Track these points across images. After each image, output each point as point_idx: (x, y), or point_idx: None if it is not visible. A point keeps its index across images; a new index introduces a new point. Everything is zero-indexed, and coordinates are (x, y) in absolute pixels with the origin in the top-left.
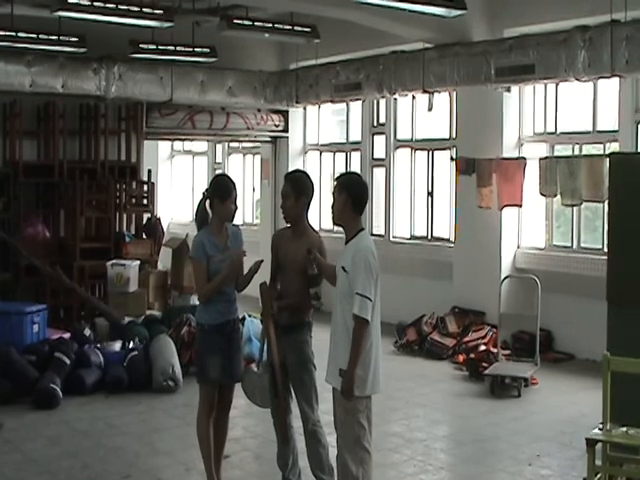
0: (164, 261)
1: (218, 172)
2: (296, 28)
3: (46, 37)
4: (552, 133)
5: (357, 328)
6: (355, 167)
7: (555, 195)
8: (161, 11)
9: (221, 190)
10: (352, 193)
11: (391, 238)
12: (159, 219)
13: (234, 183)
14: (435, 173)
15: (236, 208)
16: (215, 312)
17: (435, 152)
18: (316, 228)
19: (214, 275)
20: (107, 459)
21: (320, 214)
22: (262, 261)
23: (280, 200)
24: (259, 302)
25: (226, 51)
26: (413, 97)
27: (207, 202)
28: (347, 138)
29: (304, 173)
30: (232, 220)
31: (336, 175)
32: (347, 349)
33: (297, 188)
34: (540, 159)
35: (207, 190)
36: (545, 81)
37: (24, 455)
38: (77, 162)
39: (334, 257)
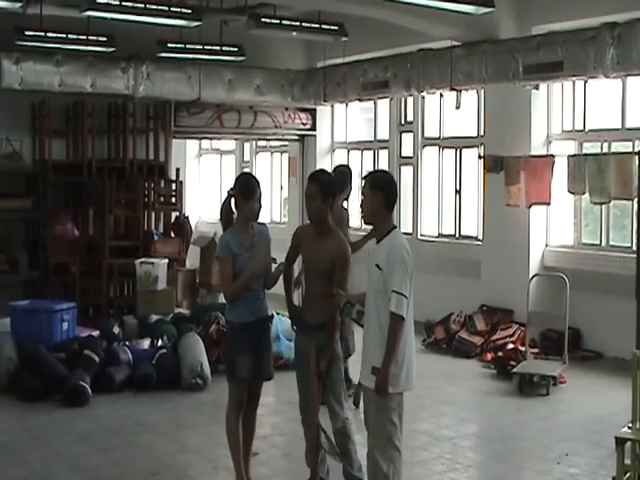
0: (192, 259)
1: (245, 171)
2: (323, 26)
3: (75, 37)
4: (580, 130)
5: (393, 325)
6: (383, 165)
7: (584, 193)
8: (189, 10)
9: (245, 189)
10: (386, 192)
11: (419, 236)
12: (187, 217)
13: (258, 182)
14: (463, 171)
15: (260, 207)
16: (245, 310)
17: (463, 150)
18: None
19: (240, 274)
20: (136, 456)
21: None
22: (287, 264)
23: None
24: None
25: (253, 50)
26: (441, 95)
27: (232, 201)
28: (375, 136)
29: (329, 173)
30: (257, 219)
31: (364, 173)
32: (381, 347)
33: (323, 188)
34: (568, 157)
35: (231, 189)
36: (573, 78)
37: (54, 452)
38: (106, 161)
39: (363, 258)
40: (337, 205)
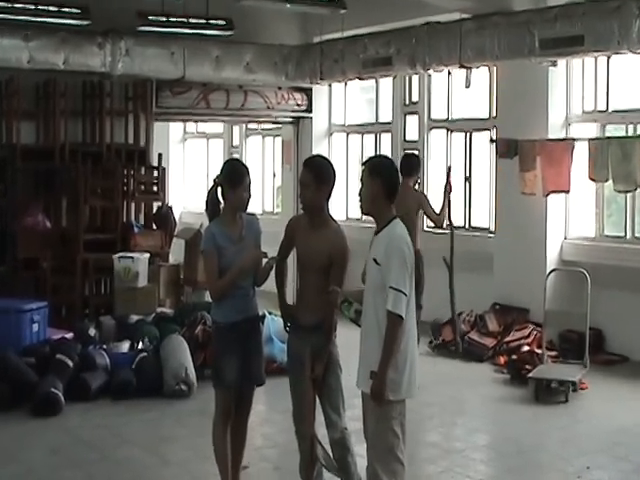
0: (176, 254)
1: (232, 157)
2: None
3: (46, 8)
4: (603, 111)
5: (390, 325)
6: (385, 150)
7: (606, 180)
8: None
9: (232, 176)
10: (386, 179)
11: (425, 228)
12: (170, 208)
13: (247, 168)
14: (473, 156)
15: (250, 196)
16: (232, 309)
17: (473, 133)
18: (343, 217)
19: (227, 269)
20: (113, 471)
21: (347, 202)
22: (279, 258)
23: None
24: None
25: (243, 23)
26: (449, 73)
27: (218, 190)
28: (376, 118)
29: (325, 159)
30: (245, 209)
31: (364, 159)
32: (379, 349)
33: (318, 176)
34: (590, 140)
35: (218, 177)
36: (595, 54)
37: (23, 466)
38: (80, 145)
39: (364, 251)
40: (411, 190)
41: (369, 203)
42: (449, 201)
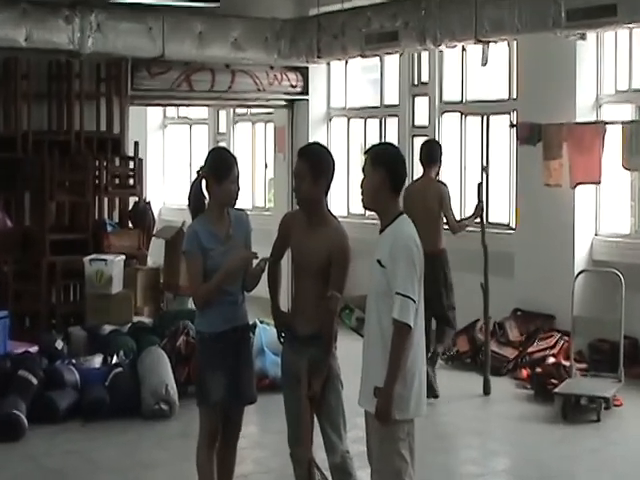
0: (155, 255)
1: (219, 145)
2: None
3: None
4: (638, 91)
5: (397, 335)
6: (391, 137)
7: None
8: None
9: (218, 168)
10: (390, 169)
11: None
12: (149, 204)
13: (235, 158)
14: (491, 143)
15: (238, 189)
16: (218, 317)
17: (491, 117)
18: (343, 213)
19: (213, 272)
20: None
21: (348, 196)
22: (272, 259)
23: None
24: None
25: None
26: (463, 49)
27: (203, 183)
28: (381, 101)
29: (322, 147)
30: (234, 204)
31: (367, 147)
32: (383, 362)
33: (315, 167)
34: (623, 124)
35: (202, 168)
36: (630, 25)
37: None
38: (46, 133)
39: (367, 251)
40: (433, 182)
41: (372, 197)
42: (478, 217)
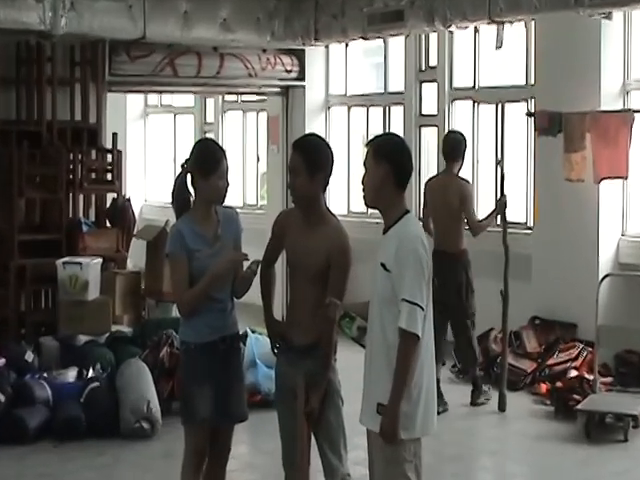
0: (136, 258)
1: (206, 136)
2: None
3: None
4: None
5: (403, 346)
6: (396, 127)
7: None
8: None
9: (204, 161)
10: (395, 163)
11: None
12: (128, 201)
13: (224, 151)
14: (506, 134)
15: (227, 185)
16: (205, 326)
17: (506, 105)
18: (343, 212)
19: (199, 277)
20: None
21: (349, 193)
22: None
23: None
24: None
25: None
26: (476, 30)
27: (188, 178)
28: (385, 88)
29: (320, 139)
30: (222, 201)
31: (369, 138)
32: (388, 376)
33: (311, 160)
34: None
35: (187, 162)
36: None
37: None
38: (13, 123)
39: (370, 254)
40: (455, 178)
41: (374, 193)
42: (500, 214)
